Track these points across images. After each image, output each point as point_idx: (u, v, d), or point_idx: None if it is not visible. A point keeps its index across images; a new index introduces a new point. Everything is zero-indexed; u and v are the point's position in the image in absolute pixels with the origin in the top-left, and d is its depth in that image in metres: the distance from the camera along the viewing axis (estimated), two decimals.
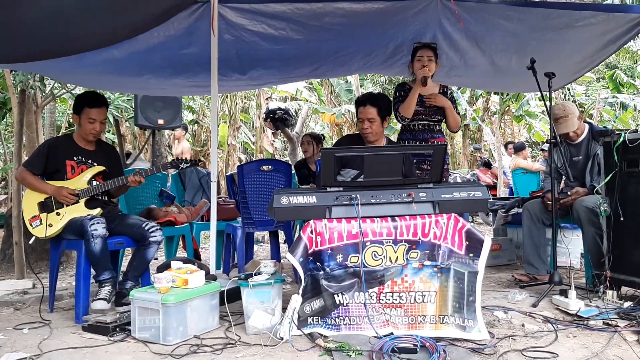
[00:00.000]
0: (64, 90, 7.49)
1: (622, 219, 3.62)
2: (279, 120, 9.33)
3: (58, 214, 3.70)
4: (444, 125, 4.60)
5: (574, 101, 16.03)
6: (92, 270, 3.67)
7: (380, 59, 5.09)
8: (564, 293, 3.57)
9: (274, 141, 18.58)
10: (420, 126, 4.37)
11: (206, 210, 5.41)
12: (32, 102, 6.54)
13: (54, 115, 10.48)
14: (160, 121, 7.28)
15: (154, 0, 3.96)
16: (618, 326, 3.12)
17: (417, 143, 4.31)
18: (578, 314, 3.35)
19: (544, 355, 2.71)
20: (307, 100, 17.42)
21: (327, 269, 3.05)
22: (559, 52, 4.89)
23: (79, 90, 8.98)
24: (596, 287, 3.75)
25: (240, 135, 20.12)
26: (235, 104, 16.96)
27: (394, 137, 5.71)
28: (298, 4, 4.20)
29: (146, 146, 8.84)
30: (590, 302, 3.60)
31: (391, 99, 4.36)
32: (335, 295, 3.04)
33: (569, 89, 16.33)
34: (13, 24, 3.60)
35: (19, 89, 5.74)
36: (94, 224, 3.55)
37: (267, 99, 17.70)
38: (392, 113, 4.19)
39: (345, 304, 3.04)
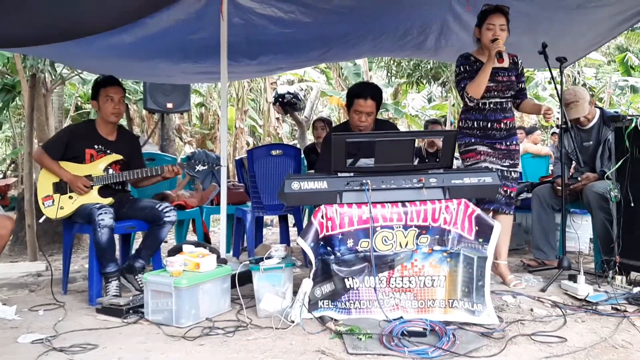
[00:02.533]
0: (74, 74, 7.52)
1: (632, 204, 3.63)
2: (287, 104, 9.33)
3: (70, 197, 3.73)
4: None
5: (584, 85, 15.92)
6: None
7: (390, 41, 5.07)
8: (573, 278, 3.59)
9: (277, 127, 18.60)
10: (491, 105, 3.83)
11: (216, 195, 5.44)
12: (41, 85, 6.58)
13: (62, 99, 10.54)
14: (169, 105, 7.35)
15: None
16: (627, 311, 3.14)
17: (489, 125, 3.83)
18: (587, 299, 3.37)
19: (553, 340, 2.73)
20: (314, 81, 17.36)
21: (338, 254, 3.07)
22: (569, 31, 4.87)
23: (86, 74, 9.03)
24: (605, 273, 3.77)
25: (248, 118, 20.14)
26: (242, 87, 16.95)
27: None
28: None
29: (154, 130, 8.87)
30: (599, 287, 3.62)
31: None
32: (346, 280, 3.07)
33: (579, 73, 16.23)
34: (23, 7, 3.61)
35: (29, 73, 5.77)
36: (101, 213, 3.55)
37: (272, 83, 17.66)
38: (457, 90, 3.84)
39: (355, 288, 3.07)
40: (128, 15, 4.18)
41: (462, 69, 3.85)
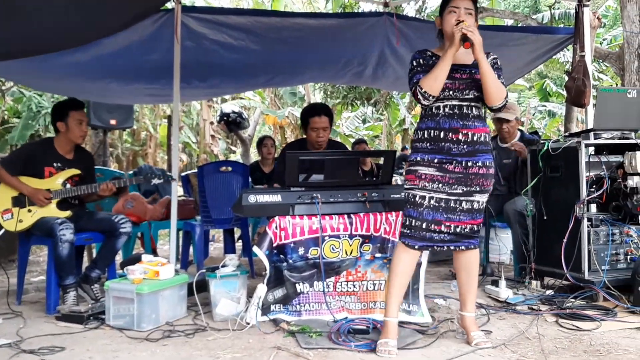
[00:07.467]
0: (15, 88, 7.50)
1: (545, 217, 4.13)
2: (232, 123, 9.57)
3: (29, 210, 3.86)
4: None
5: None
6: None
7: (332, 71, 5.47)
8: (495, 283, 4.04)
9: (211, 144, 18.75)
10: (446, 109, 2.91)
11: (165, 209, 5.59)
12: None
13: None
14: (112, 121, 7.40)
15: (122, 6, 4.17)
16: (540, 310, 3.60)
17: (442, 135, 2.89)
18: (507, 300, 3.82)
19: None
20: (250, 99, 17.66)
21: (290, 261, 3.39)
22: None
23: (25, 89, 8.97)
24: (523, 278, 4.26)
25: (181, 135, 20.11)
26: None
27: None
28: (258, 17, 4.54)
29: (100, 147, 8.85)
30: (518, 291, 4.09)
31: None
32: (297, 284, 3.39)
33: None
34: None
35: None
36: (62, 229, 3.69)
37: (208, 101, 17.78)
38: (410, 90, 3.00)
39: (305, 292, 3.39)
40: (85, 37, 4.35)
41: (415, 63, 3.02)
